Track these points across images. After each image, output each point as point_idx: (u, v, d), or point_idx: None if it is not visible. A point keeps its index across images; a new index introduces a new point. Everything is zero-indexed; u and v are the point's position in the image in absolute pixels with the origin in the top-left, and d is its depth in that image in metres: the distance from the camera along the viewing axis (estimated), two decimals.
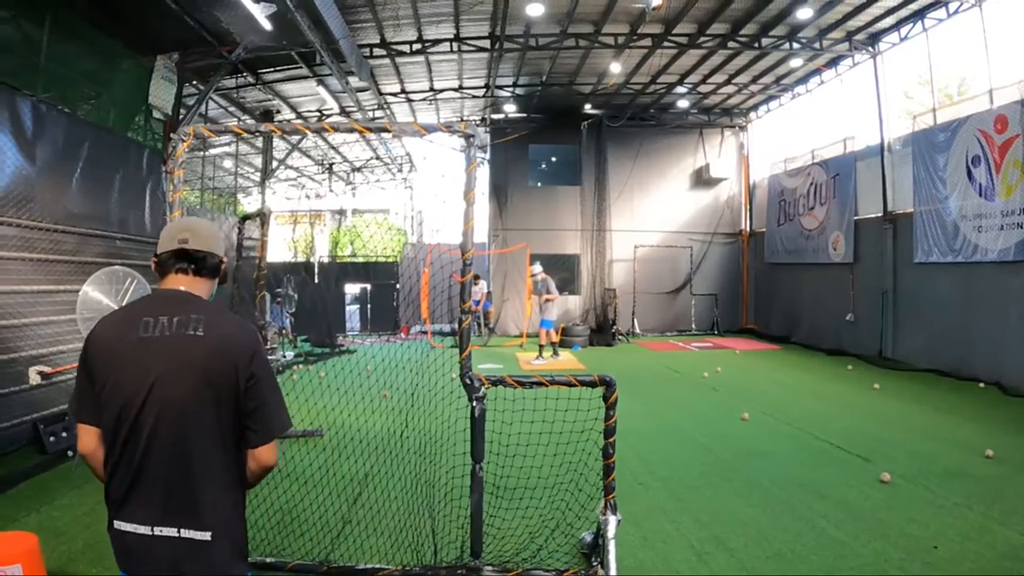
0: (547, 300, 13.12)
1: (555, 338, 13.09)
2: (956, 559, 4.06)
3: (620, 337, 16.84)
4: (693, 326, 18.62)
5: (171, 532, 1.77)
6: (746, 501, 5.12)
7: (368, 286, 21.37)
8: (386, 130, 3.66)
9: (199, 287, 1.97)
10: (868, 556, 4.11)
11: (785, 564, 4.04)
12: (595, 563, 3.78)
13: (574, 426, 4.38)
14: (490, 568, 3.81)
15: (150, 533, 1.77)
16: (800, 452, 6.51)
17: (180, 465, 1.78)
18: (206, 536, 1.78)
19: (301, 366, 12.59)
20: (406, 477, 4.93)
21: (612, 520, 3.61)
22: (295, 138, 17.01)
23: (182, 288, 1.94)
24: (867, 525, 4.58)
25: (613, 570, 3.48)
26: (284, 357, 13.54)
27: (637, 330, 18.12)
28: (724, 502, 5.10)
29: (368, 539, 4.25)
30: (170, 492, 1.79)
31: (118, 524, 1.80)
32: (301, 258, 24.59)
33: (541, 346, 12.98)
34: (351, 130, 3.72)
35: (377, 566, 3.91)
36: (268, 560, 3.99)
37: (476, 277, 17.75)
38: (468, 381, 3.62)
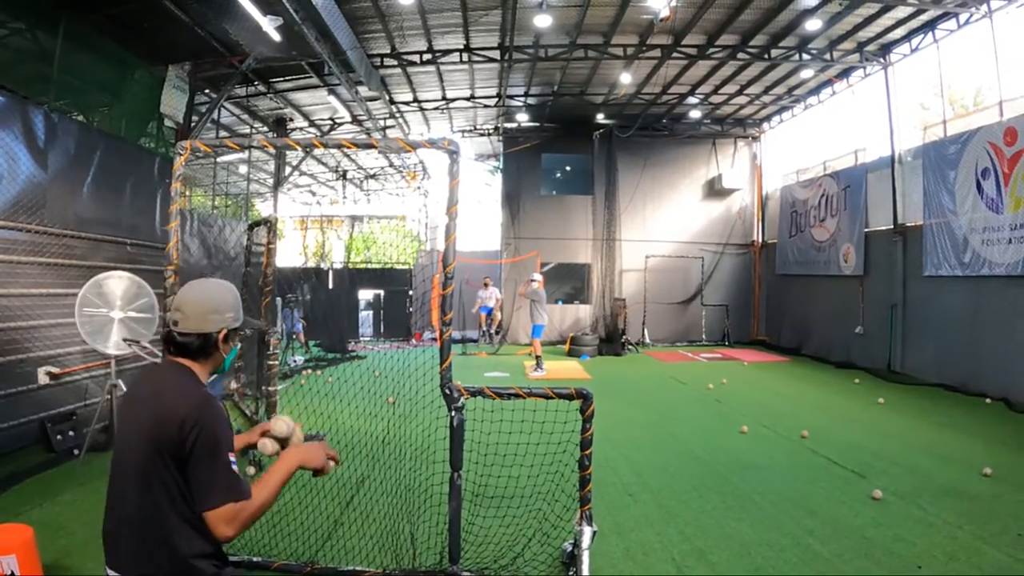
0: (520, 294, 14.07)
1: (539, 350, 13.08)
2: None
3: (630, 347, 16.82)
4: (703, 337, 18.54)
5: None
6: (734, 515, 5.12)
7: (382, 292, 21.52)
8: (372, 146, 3.74)
9: (193, 363, 2.09)
10: (850, 574, 4.11)
11: None
12: (571, 573, 3.81)
13: (552, 437, 4.43)
14: (468, 573, 3.88)
15: None
16: (795, 467, 6.48)
17: (137, 521, 1.91)
18: None
19: (311, 371, 12.73)
20: (396, 482, 5.00)
21: (587, 531, 3.66)
22: (306, 147, 17.24)
23: (176, 361, 2.08)
24: (853, 543, 4.57)
25: None
26: (294, 362, 13.70)
27: (647, 340, 18.09)
28: (711, 515, 5.12)
29: (356, 542, 4.32)
30: (131, 544, 1.92)
31: (107, 568, 1.96)
32: (314, 264, 24.80)
33: (537, 356, 12.98)
34: (339, 146, 3.81)
35: (359, 568, 3.99)
36: (255, 559, 4.08)
37: (486, 282, 17.86)
38: (447, 391, 3.68)
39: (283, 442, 2.26)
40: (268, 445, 2.25)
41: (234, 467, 1.93)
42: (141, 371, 2.25)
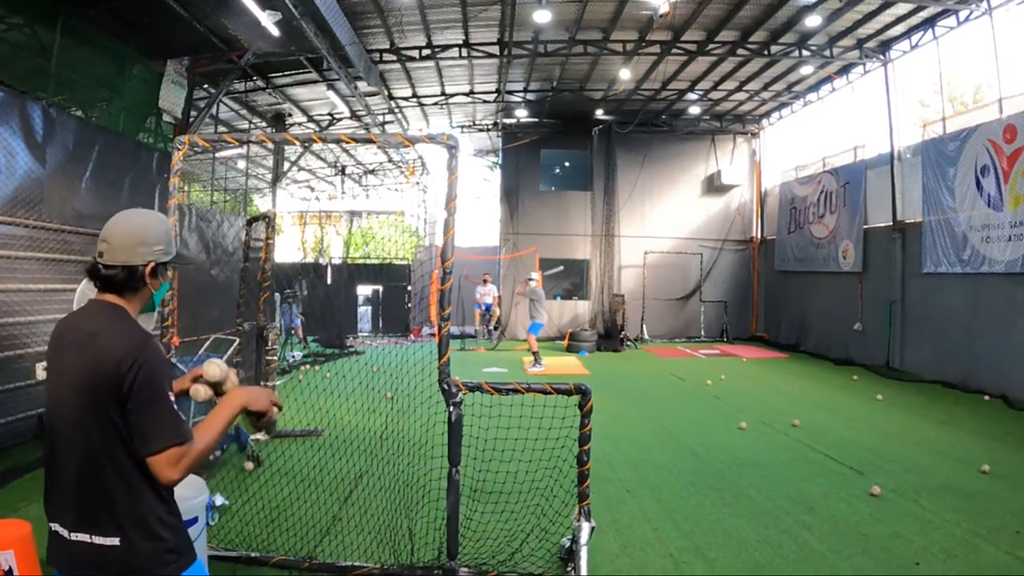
0: (518, 294, 14.31)
1: (535, 346, 13.10)
2: None
3: (628, 343, 16.84)
4: (702, 333, 18.57)
5: (84, 537, 1.81)
6: (732, 511, 5.12)
7: (380, 288, 21.51)
8: (371, 141, 3.73)
9: (119, 300, 1.95)
10: (847, 571, 4.10)
11: None
12: (569, 569, 3.82)
13: (551, 433, 4.44)
14: (466, 569, 3.87)
15: (67, 536, 1.83)
16: (793, 463, 6.49)
17: (79, 471, 1.82)
18: (115, 542, 1.80)
19: (309, 366, 12.73)
20: (394, 477, 5.01)
21: (585, 527, 3.66)
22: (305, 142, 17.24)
23: (103, 298, 1.96)
24: (851, 539, 4.56)
25: None
26: (292, 357, 13.70)
27: (646, 336, 18.12)
28: (709, 511, 5.12)
29: (354, 537, 4.32)
30: (75, 497, 1.83)
31: (50, 523, 1.88)
32: (312, 259, 24.79)
33: (535, 352, 12.99)
34: (338, 141, 3.80)
35: (357, 563, 3.99)
36: (253, 555, 4.08)
37: (486, 278, 17.90)
38: (445, 387, 3.68)
39: (216, 387, 2.14)
40: (200, 391, 2.12)
41: (175, 408, 1.84)
42: (67, 315, 2.04)
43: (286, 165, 19.24)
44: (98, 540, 1.80)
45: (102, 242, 1.93)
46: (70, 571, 1.86)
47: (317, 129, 17.69)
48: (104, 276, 1.93)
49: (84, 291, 6.12)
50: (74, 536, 1.82)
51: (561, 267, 18.35)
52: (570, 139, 18.78)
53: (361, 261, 25.82)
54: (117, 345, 1.80)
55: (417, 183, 25.95)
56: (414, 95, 16.22)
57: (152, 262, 1.96)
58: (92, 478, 1.81)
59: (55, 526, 1.86)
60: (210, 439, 1.89)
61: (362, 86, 14.02)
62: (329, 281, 19.71)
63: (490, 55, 13.14)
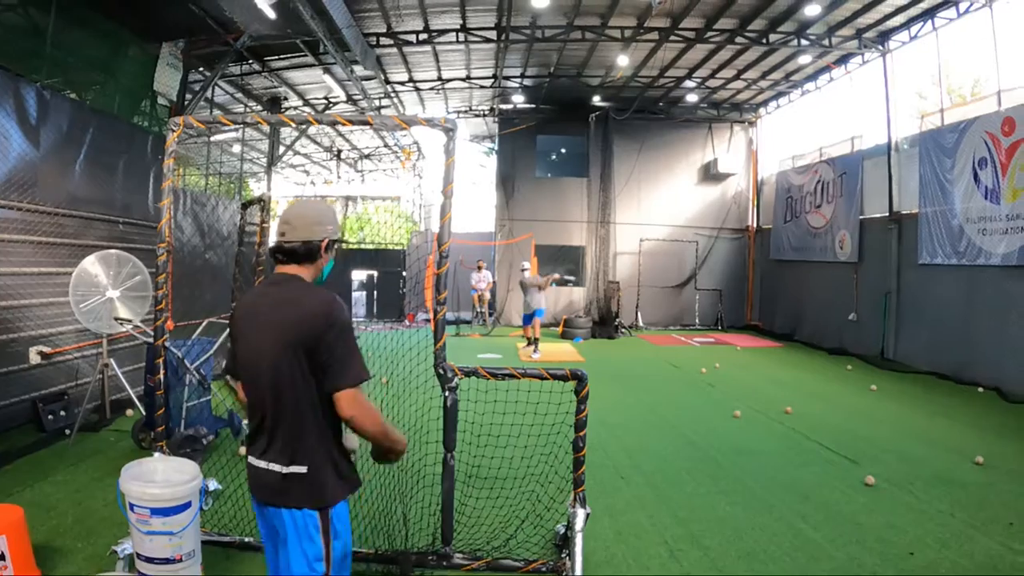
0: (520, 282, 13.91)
1: (529, 333, 13.11)
2: (931, 566, 4.04)
3: (623, 330, 16.86)
4: (697, 321, 18.60)
5: (276, 467, 2.23)
6: (727, 499, 5.14)
7: (375, 273, 21.46)
8: (368, 123, 3.69)
9: (299, 270, 2.38)
10: (842, 560, 4.11)
11: (757, 564, 4.06)
12: (564, 555, 3.82)
13: (546, 418, 4.43)
14: (460, 555, 3.87)
15: (264, 467, 2.26)
16: (788, 452, 6.51)
17: (283, 413, 2.23)
18: (303, 469, 2.22)
19: None
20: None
21: (580, 513, 3.65)
22: (301, 124, 17.05)
23: (285, 272, 2.38)
24: (845, 528, 4.58)
25: (579, 563, 3.52)
26: None
27: (641, 323, 18.14)
28: (704, 499, 5.14)
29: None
30: (275, 434, 2.25)
31: (250, 458, 2.33)
32: None
33: (530, 339, 12.98)
34: (334, 123, 3.76)
35: (351, 549, 3.97)
36: (247, 540, 4.07)
37: (480, 265, 17.87)
38: (441, 371, 3.66)
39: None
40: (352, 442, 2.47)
41: (362, 356, 2.27)
42: (255, 288, 2.64)
43: (281, 149, 19.11)
44: (291, 469, 2.22)
45: (283, 223, 2.39)
46: (264, 494, 2.28)
47: (313, 113, 17.56)
48: (287, 249, 2.36)
49: (81, 275, 6.10)
50: (271, 466, 2.23)
51: (558, 275, 18.32)
52: (567, 125, 18.69)
53: (356, 246, 25.73)
54: (319, 305, 2.24)
55: (413, 167, 25.83)
56: (410, 80, 16.11)
57: (327, 239, 2.42)
58: (296, 419, 2.22)
59: (259, 461, 2.27)
60: (375, 428, 2.27)
61: (358, 70, 13.90)
62: None
63: (487, 40, 13.04)
